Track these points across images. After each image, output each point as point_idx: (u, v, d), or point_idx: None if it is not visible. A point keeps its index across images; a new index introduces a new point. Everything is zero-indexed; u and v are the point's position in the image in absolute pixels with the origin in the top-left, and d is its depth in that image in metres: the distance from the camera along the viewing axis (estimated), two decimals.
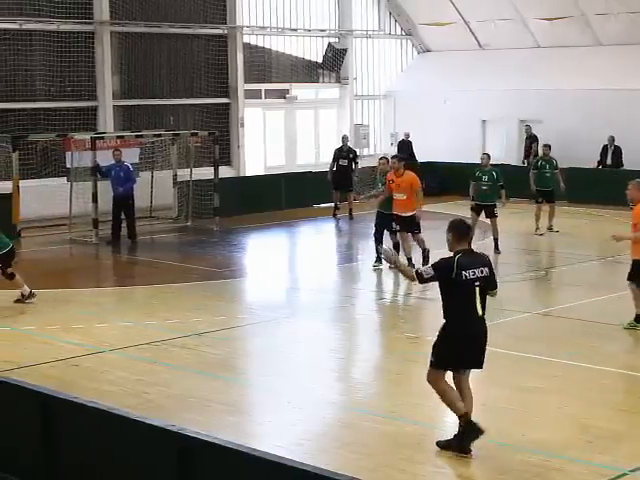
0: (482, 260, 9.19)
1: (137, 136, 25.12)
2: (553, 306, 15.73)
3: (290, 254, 22.30)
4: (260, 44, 30.36)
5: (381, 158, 19.36)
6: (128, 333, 13.72)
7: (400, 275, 9.79)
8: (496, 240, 19.66)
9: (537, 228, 22.05)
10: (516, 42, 30.93)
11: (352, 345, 13.88)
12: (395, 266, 9.73)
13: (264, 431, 9.99)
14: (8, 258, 15.39)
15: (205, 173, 24.83)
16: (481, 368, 9.22)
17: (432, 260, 12.25)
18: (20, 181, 22.31)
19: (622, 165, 27.78)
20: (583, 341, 13.12)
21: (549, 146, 23.14)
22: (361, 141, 31.97)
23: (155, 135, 25.56)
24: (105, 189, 22.00)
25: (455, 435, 9.08)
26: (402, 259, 16.48)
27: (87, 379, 11.47)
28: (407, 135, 31.07)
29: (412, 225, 17.73)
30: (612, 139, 27.81)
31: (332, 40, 32.15)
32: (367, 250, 19.66)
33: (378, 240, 17.93)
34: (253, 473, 6.29)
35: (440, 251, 9.36)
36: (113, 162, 21.87)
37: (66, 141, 24.25)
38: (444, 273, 8.98)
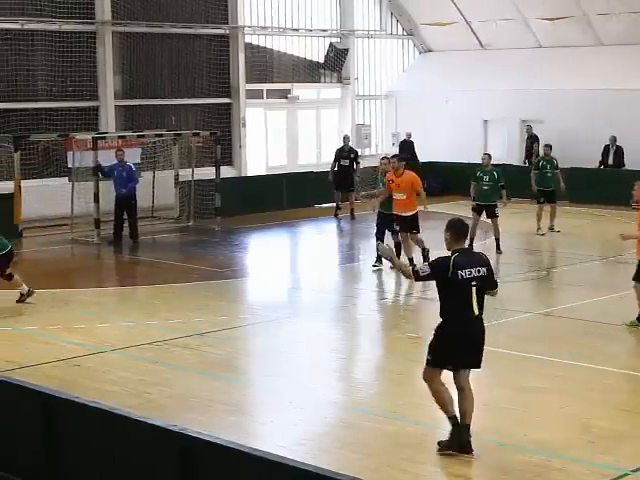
0: (479, 260, 9.18)
1: (139, 136, 25.12)
2: (555, 306, 15.73)
3: (292, 254, 22.30)
4: (262, 44, 30.37)
5: (382, 158, 19.37)
6: (130, 333, 13.73)
7: (401, 275, 9.74)
8: (497, 240, 19.65)
9: (539, 228, 22.04)
10: (518, 42, 30.93)
11: (354, 345, 13.88)
12: (392, 263, 9.74)
13: (266, 431, 10.00)
14: (7, 259, 15.34)
15: (207, 173, 24.84)
16: (478, 368, 9.21)
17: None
18: (22, 181, 22.33)
19: (624, 165, 27.77)
20: (585, 341, 13.12)
21: (550, 146, 23.13)
22: (363, 141, 31.97)
23: (157, 135, 25.56)
24: (107, 189, 22.01)
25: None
26: (404, 259, 16.54)
27: (89, 379, 11.47)
28: (409, 135, 31.07)
29: (412, 225, 17.69)
30: (614, 139, 27.80)
31: (334, 40, 32.15)
32: (368, 250, 19.66)
33: (379, 240, 17.90)
34: (255, 473, 6.29)
35: (441, 251, 9.35)
36: (115, 162, 21.87)
37: (68, 141, 24.27)
38: (440, 272, 8.98)
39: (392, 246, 17.29)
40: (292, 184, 26.96)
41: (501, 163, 25.56)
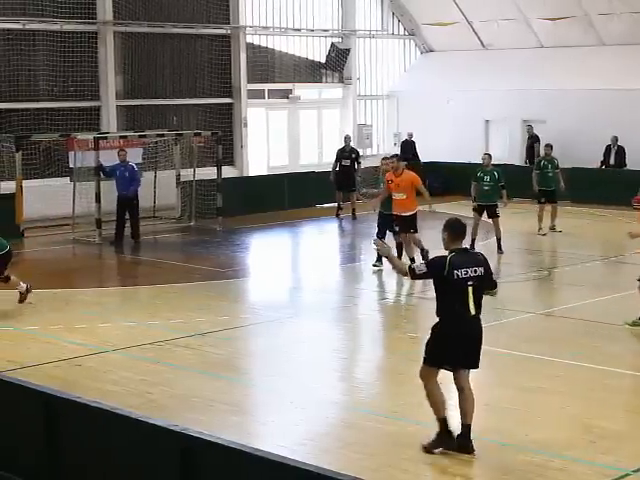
0: (476, 260, 9.17)
1: (140, 136, 25.13)
2: (556, 306, 15.73)
3: (293, 254, 22.31)
4: (263, 44, 30.37)
5: (384, 158, 19.32)
6: (131, 333, 13.73)
7: (401, 275, 9.74)
8: (499, 240, 19.64)
9: (540, 228, 22.04)
10: (519, 42, 30.93)
11: (355, 345, 13.89)
12: (388, 259, 9.75)
13: (267, 431, 10.00)
14: (5, 260, 15.12)
15: (208, 173, 24.86)
16: (476, 368, 9.21)
17: None
18: (23, 181, 22.35)
19: (625, 165, 27.77)
20: (586, 341, 13.12)
21: (551, 146, 23.13)
22: (364, 141, 31.98)
23: (158, 135, 25.57)
24: (108, 189, 22.01)
25: (458, 435, 9.08)
26: (405, 259, 16.53)
27: (90, 379, 11.48)
28: (410, 135, 31.08)
29: (411, 225, 17.62)
30: (615, 139, 27.80)
31: (335, 40, 32.16)
32: (370, 250, 19.62)
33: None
34: (256, 473, 6.30)
35: (440, 251, 9.35)
36: (118, 162, 21.88)
37: (69, 141, 24.28)
38: (436, 271, 9.00)
39: (394, 246, 17.34)
40: (294, 184, 26.97)
41: (502, 163, 25.57)
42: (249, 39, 29.67)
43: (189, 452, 6.60)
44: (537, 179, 22.48)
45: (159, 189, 25.14)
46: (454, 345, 9.02)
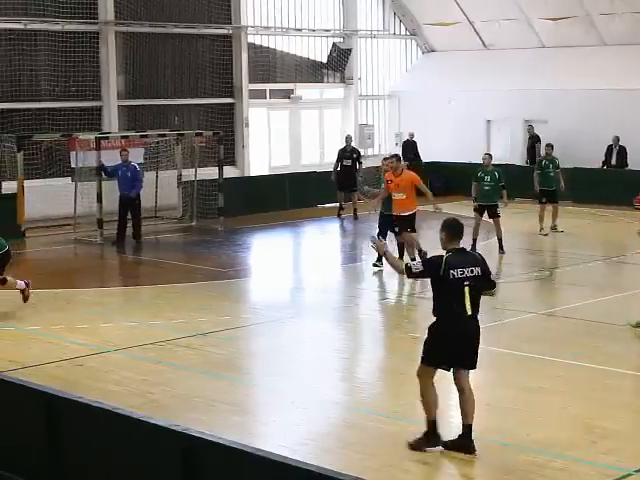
0: (473, 260, 9.17)
1: (142, 136, 25.15)
2: (557, 306, 15.73)
3: (294, 254, 22.30)
4: (265, 44, 30.38)
5: (385, 158, 19.29)
6: (133, 333, 13.74)
7: (399, 273, 9.74)
8: (500, 240, 19.63)
9: (541, 228, 22.04)
10: (521, 42, 30.92)
11: (356, 345, 13.89)
12: (384, 257, 9.74)
13: (268, 431, 10.01)
14: (3, 261, 14.93)
15: (210, 173, 24.86)
16: (473, 368, 9.21)
17: None
18: (25, 181, 22.35)
19: (627, 165, 27.77)
20: (587, 341, 13.12)
21: (551, 145, 23.13)
22: (366, 141, 31.98)
23: (160, 135, 25.58)
24: (110, 189, 22.02)
25: (460, 435, 9.09)
26: (407, 260, 16.53)
27: (92, 379, 11.49)
28: (412, 135, 31.08)
29: (410, 224, 17.56)
30: (617, 139, 27.80)
31: (337, 40, 32.17)
32: (371, 250, 19.58)
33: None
34: (257, 473, 6.30)
35: (440, 252, 9.35)
36: (119, 162, 21.88)
37: (71, 141, 24.29)
38: (432, 270, 9.03)
39: (395, 247, 17.34)
40: (295, 184, 26.97)
41: (504, 163, 25.58)
42: (250, 39, 29.68)
43: (191, 452, 6.60)
44: (538, 179, 22.47)
45: (161, 189, 25.14)
46: (451, 345, 9.03)
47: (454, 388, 9.26)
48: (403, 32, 34.08)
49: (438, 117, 31.61)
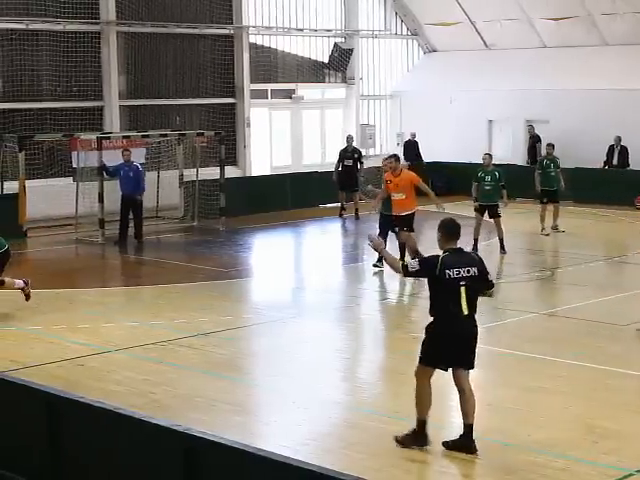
0: (469, 260, 9.17)
1: (143, 136, 25.14)
2: (559, 306, 15.72)
3: (296, 254, 22.31)
4: (266, 44, 30.39)
5: (385, 159, 19.26)
6: (134, 333, 13.75)
7: (395, 272, 9.73)
8: (501, 240, 19.63)
9: (542, 228, 22.03)
10: (522, 42, 30.92)
11: (357, 345, 13.89)
12: (382, 255, 9.74)
13: (270, 431, 10.01)
14: (3, 260, 14.81)
15: (211, 173, 24.86)
16: (471, 368, 9.20)
17: None
18: (26, 181, 22.36)
19: (628, 165, 27.76)
20: (588, 341, 13.11)
21: (553, 145, 23.13)
22: (367, 141, 31.98)
23: (161, 135, 25.58)
24: (111, 189, 22.02)
25: (461, 435, 9.09)
26: (408, 260, 16.52)
27: (93, 379, 11.49)
28: (413, 135, 31.07)
29: (409, 223, 17.51)
30: (618, 139, 27.79)
31: (338, 40, 32.17)
32: (372, 250, 19.60)
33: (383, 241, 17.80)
34: (259, 473, 6.31)
35: (439, 252, 9.36)
36: (122, 162, 21.89)
37: (72, 141, 24.30)
38: (428, 269, 9.04)
39: (396, 247, 17.32)
40: (296, 184, 26.98)
41: (505, 163, 25.58)
42: (252, 39, 29.68)
43: (192, 452, 6.61)
44: (539, 179, 22.45)
45: (162, 189, 25.14)
46: (448, 345, 9.03)
47: (454, 389, 9.25)
48: (405, 32, 34.08)
49: (439, 117, 31.61)
